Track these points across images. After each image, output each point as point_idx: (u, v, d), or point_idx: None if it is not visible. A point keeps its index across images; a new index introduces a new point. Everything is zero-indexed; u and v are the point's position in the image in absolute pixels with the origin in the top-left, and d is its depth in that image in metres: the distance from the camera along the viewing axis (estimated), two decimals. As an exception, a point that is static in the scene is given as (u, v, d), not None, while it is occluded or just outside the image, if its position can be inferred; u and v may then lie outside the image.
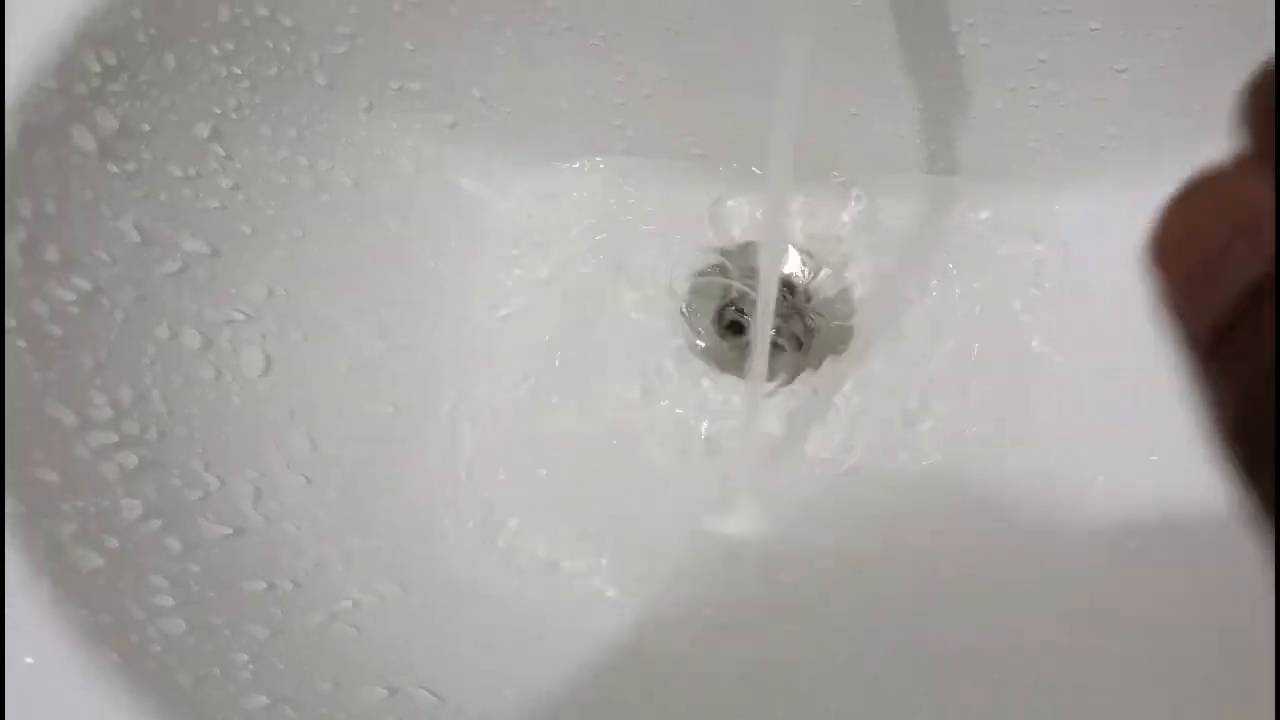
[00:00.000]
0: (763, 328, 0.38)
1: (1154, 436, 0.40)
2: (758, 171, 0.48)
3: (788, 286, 0.47)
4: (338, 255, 0.43)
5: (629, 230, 0.48)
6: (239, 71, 0.38)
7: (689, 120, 0.46)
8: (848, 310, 0.47)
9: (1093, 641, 0.37)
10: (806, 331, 0.47)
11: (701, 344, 0.47)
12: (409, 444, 0.43)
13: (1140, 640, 0.36)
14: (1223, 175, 0.12)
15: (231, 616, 0.31)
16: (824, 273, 0.47)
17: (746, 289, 0.47)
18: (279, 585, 0.34)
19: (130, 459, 0.32)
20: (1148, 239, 0.12)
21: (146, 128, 0.36)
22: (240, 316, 0.38)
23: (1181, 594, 0.36)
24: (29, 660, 0.27)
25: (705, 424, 0.45)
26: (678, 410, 0.45)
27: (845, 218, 0.48)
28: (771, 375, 0.45)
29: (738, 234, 0.48)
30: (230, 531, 0.34)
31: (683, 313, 0.47)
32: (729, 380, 0.46)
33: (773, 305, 0.37)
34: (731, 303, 0.48)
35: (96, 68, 0.34)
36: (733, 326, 0.47)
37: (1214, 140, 0.14)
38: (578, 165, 0.49)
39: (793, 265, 0.48)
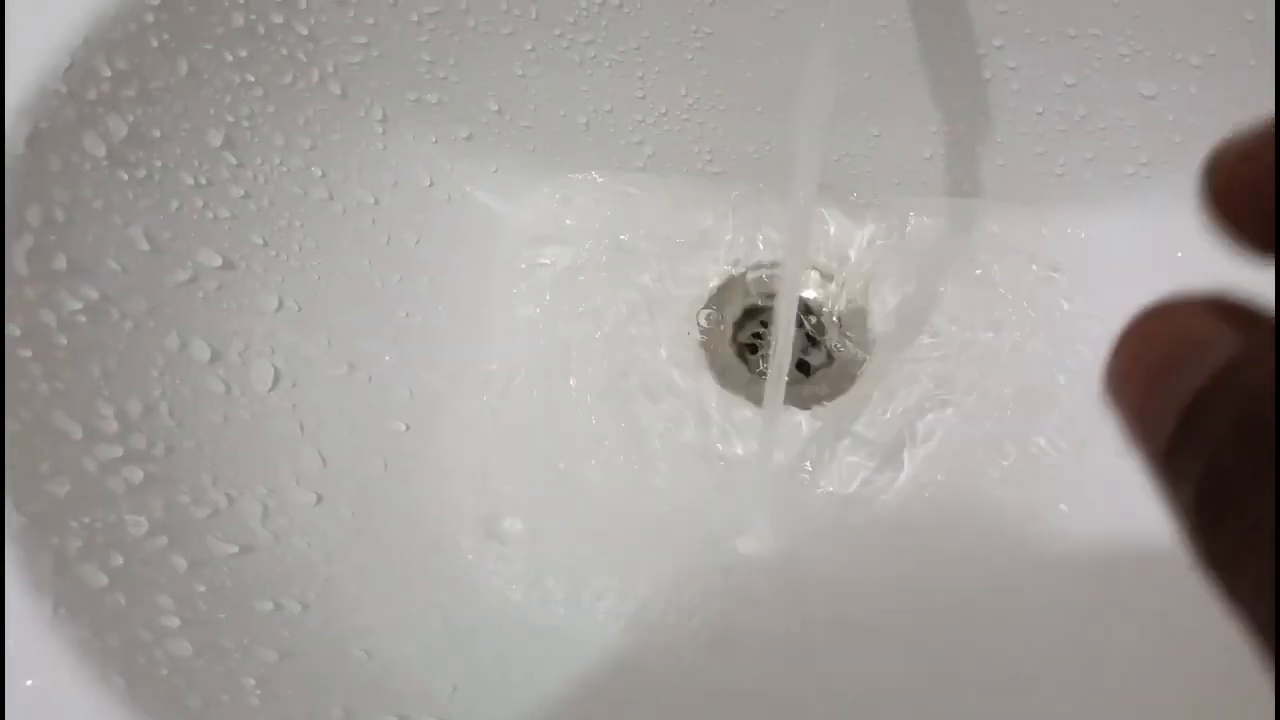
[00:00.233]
0: (781, 349, 0.37)
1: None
2: (776, 191, 0.48)
3: (806, 309, 0.47)
4: (350, 267, 0.42)
5: (645, 247, 0.48)
6: (252, 79, 0.38)
7: (707, 138, 0.46)
8: (866, 333, 0.46)
9: (1101, 672, 0.36)
10: (824, 353, 0.46)
11: (718, 364, 0.46)
12: (421, 459, 0.42)
13: (1143, 667, 0.36)
14: (1175, 304, 0.12)
15: (240, 638, 0.31)
16: (843, 295, 0.47)
17: (764, 310, 0.47)
18: (287, 606, 0.33)
19: (137, 474, 0.32)
20: (1103, 374, 0.13)
21: (158, 135, 0.35)
22: (250, 328, 0.38)
23: (1183, 625, 0.36)
24: (30, 682, 0.26)
25: (720, 445, 0.44)
26: (692, 430, 0.45)
27: (865, 240, 0.47)
28: (788, 396, 0.44)
29: (756, 254, 0.48)
30: (238, 549, 0.33)
31: (699, 331, 0.46)
32: (744, 401, 0.45)
33: (792, 327, 0.36)
34: (748, 323, 0.47)
35: (108, 73, 0.33)
36: (750, 347, 0.47)
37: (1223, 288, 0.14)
38: (594, 180, 0.49)
39: (812, 287, 0.47)
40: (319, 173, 0.41)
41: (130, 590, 0.29)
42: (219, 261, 0.37)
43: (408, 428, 0.42)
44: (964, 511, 0.43)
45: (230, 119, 0.37)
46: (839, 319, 0.47)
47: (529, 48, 0.41)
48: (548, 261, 0.48)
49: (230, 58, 0.37)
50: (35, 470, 0.29)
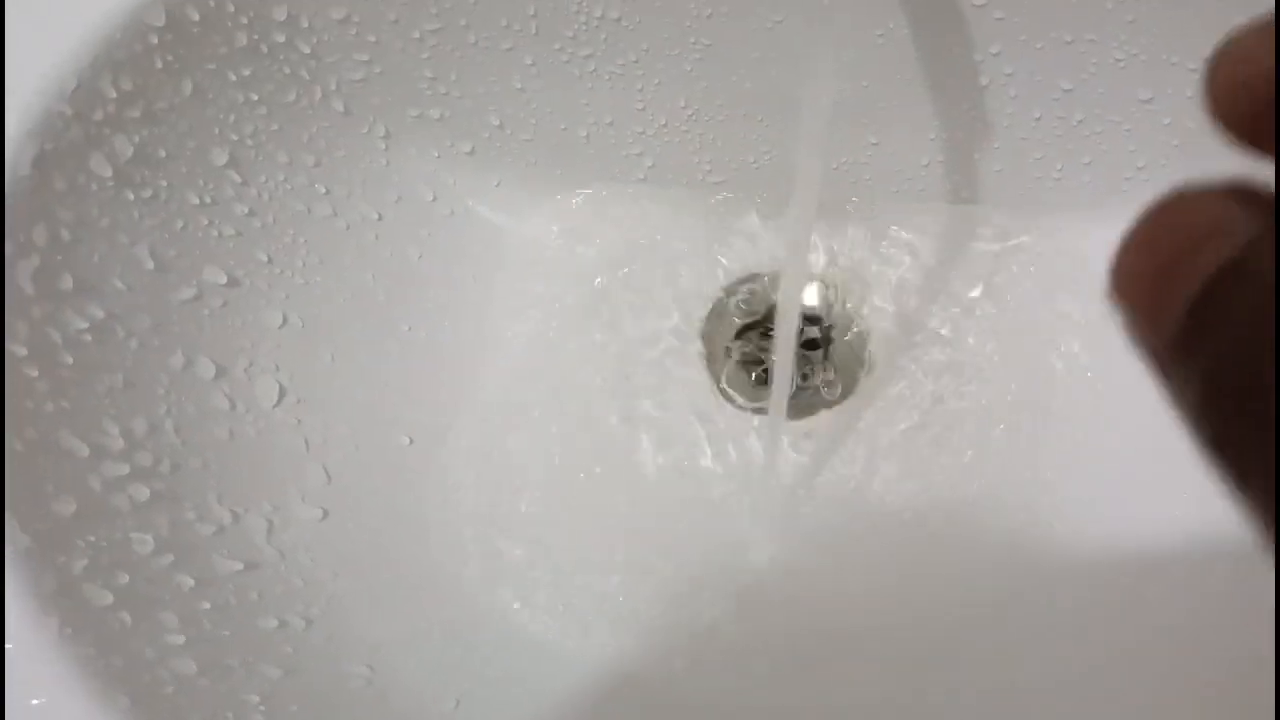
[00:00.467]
0: (783, 359, 0.37)
1: (1178, 475, 0.39)
2: (777, 200, 0.48)
3: (808, 318, 0.47)
4: (354, 283, 0.42)
5: (646, 259, 0.48)
6: (256, 98, 0.38)
7: (707, 149, 0.46)
8: (865, 342, 0.46)
9: (1103, 680, 0.36)
10: (826, 363, 0.46)
11: (720, 375, 0.46)
12: (426, 475, 0.42)
13: (1144, 675, 0.36)
14: (1191, 191, 0.12)
15: (244, 655, 0.31)
16: (845, 305, 0.47)
17: (765, 320, 0.47)
18: (291, 622, 0.33)
19: (143, 491, 0.32)
20: (1108, 274, 0.12)
21: (163, 154, 0.35)
22: (255, 345, 0.38)
23: (1191, 628, 0.36)
24: (36, 702, 0.26)
25: (722, 458, 0.44)
26: (695, 443, 0.45)
27: (865, 249, 0.47)
28: (790, 407, 0.44)
29: (756, 265, 0.48)
30: (243, 566, 0.33)
31: (701, 343, 0.46)
32: (746, 413, 0.45)
33: (794, 337, 0.36)
34: (749, 334, 0.47)
35: (113, 94, 0.33)
36: (751, 358, 0.47)
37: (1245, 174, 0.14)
38: (596, 193, 0.49)
39: (813, 297, 0.47)
40: (323, 189, 0.41)
41: (135, 608, 0.29)
42: (224, 279, 0.37)
43: (411, 441, 0.42)
44: (965, 520, 0.42)
45: (234, 137, 0.38)
46: (838, 328, 0.47)
47: (529, 62, 0.42)
48: (550, 273, 0.48)
49: (234, 77, 0.37)
50: (41, 489, 0.29)
